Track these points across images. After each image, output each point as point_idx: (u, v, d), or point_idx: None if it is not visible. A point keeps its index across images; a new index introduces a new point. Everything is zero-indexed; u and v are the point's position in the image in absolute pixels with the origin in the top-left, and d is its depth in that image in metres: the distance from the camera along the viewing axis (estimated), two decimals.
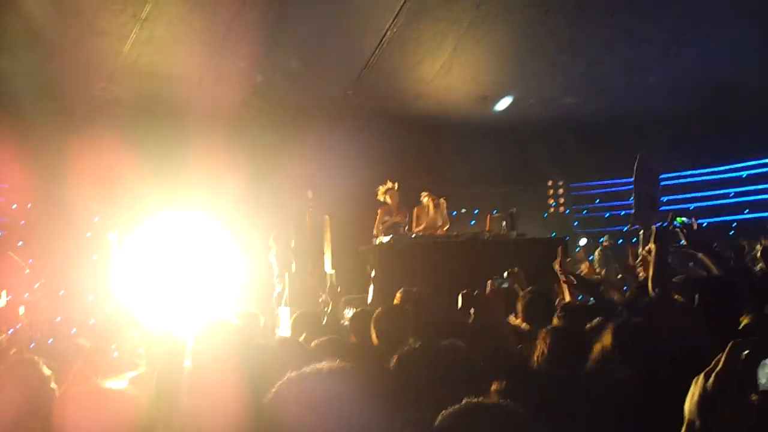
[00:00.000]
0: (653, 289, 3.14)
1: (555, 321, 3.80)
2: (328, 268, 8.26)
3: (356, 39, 9.49)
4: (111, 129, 8.82)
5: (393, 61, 9.91)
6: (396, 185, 8.90)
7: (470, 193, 11.37)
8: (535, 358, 2.87)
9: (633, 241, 13.03)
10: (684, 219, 3.45)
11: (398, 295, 4.29)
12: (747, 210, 12.69)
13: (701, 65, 10.71)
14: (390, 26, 9.24)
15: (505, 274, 5.19)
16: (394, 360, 2.39)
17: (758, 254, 4.93)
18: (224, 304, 8.73)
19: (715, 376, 1.11)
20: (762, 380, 1.09)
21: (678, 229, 3.38)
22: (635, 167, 4.68)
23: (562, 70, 10.81)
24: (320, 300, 6.19)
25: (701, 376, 1.14)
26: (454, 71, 10.36)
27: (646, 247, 3.40)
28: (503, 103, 11.30)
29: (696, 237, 3.41)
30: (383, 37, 9.44)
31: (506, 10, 9.39)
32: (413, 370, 2.26)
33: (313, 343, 3.21)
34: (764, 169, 12.70)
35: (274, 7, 8.57)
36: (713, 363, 1.13)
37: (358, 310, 4.47)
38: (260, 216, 9.72)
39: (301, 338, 3.67)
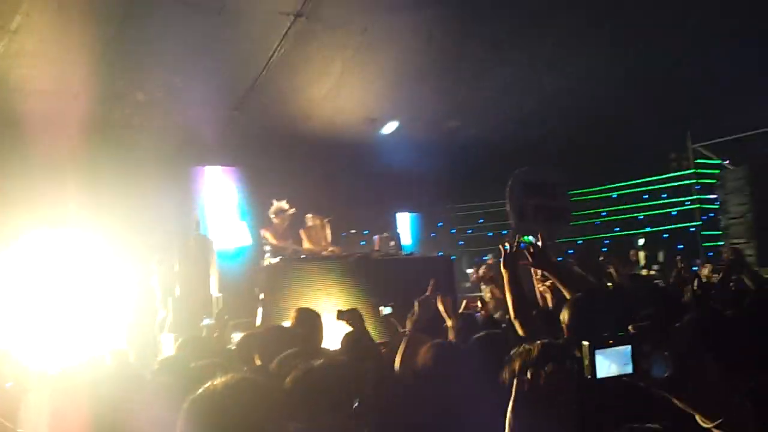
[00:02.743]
0: (515, 318, 3.16)
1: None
2: (215, 292, 8.02)
3: (243, 59, 9.38)
4: None
5: (281, 82, 9.88)
6: (290, 208, 8.81)
7: (359, 213, 11.43)
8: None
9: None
10: (530, 238, 3.57)
11: (293, 314, 4.22)
12: (617, 228, 13.57)
13: (575, 91, 11.38)
14: (277, 47, 9.22)
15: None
16: (289, 380, 2.37)
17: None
18: (101, 335, 8.30)
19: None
20: (599, 369, 1.19)
21: (524, 250, 3.43)
22: (509, 184, 4.90)
23: (445, 94, 11.17)
24: (203, 324, 5.99)
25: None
26: (343, 94, 10.47)
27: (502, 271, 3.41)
28: (389, 127, 11.52)
29: (542, 256, 3.49)
30: (271, 58, 9.39)
31: (391, 36, 9.61)
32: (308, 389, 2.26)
33: (192, 365, 3.10)
34: (633, 190, 13.67)
35: (157, 24, 8.33)
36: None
37: (246, 333, 4.36)
38: (142, 239, 9.33)
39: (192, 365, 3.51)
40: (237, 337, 5.49)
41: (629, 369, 1.20)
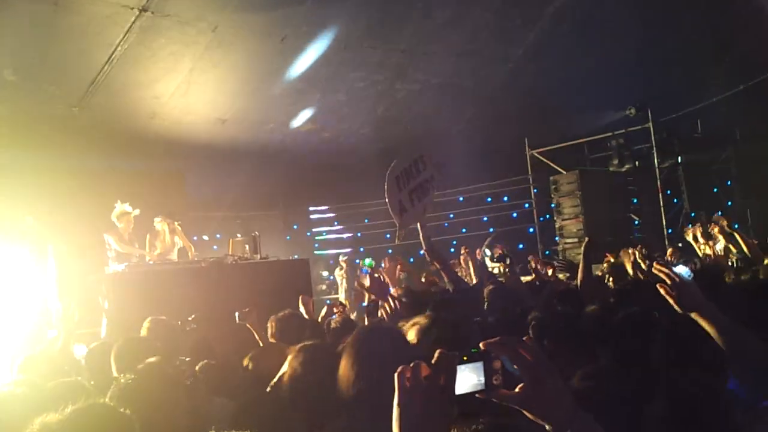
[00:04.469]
0: None
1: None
2: (55, 301, 7.44)
3: (83, 53, 8.80)
4: None
5: (125, 79, 9.38)
6: (134, 210, 8.37)
7: (212, 217, 11.11)
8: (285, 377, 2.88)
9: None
10: (369, 260, 3.72)
11: (147, 324, 4.01)
12: (464, 229, 14.23)
13: (423, 97, 11.79)
14: (121, 42, 8.73)
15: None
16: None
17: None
18: None
19: (418, 383, 1.20)
20: (461, 384, 1.23)
21: (366, 274, 3.57)
22: (386, 182, 4.95)
23: (299, 97, 11.14)
24: (48, 337, 5.54)
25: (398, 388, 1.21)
26: (192, 92, 10.12)
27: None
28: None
29: (377, 284, 3.65)
30: (113, 53, 8.88)
31: (243, 36, 9.43)
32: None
33: (49, 385, 2.85)
34: (477, 193, 14.41)
35: None
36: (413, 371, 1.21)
37: (95, 344, 4.09)
38: None
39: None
40: (79, 349, 5.13)
41: (481, 385, 1.24)
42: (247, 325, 4.90)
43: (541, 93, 11.94)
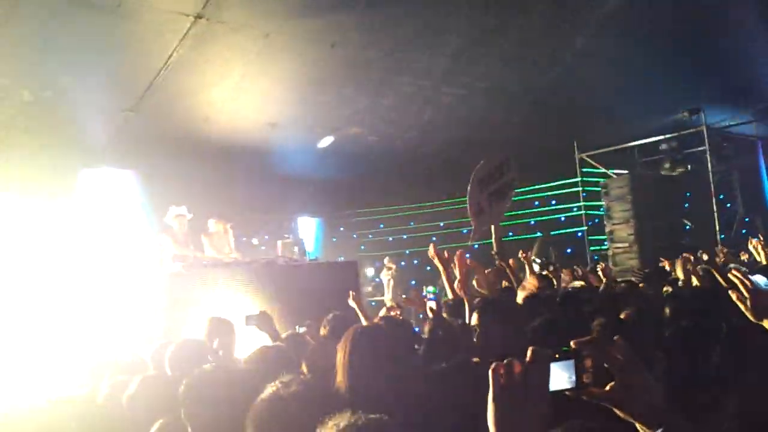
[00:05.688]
0: None
1: None
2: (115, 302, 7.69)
3: (140, 59, 9.06)
4: None
5: (179, 84, 9.61)
6: (187, 213, 8.60)
7: (260, 218, 11.30)
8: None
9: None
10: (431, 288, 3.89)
11: (207, 324, 4.14)
12: (510, 233, 14.12)
13: (470, 102, 11.78)
14: (176, 48, 8.97)
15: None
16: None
17: None
18: None
19: (512, 380, 1.22)
20: (552, 381, 1.25)
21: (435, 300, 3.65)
22: (470, 182, 5.02)
23: (347, 102, 11.25)
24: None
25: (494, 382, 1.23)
26: (243, 97, 10.32)
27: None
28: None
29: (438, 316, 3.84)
30: (169, 59, 9.12)
31: (294, 42, 9.58)
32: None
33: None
34: (525, 197, 14.28)
35: (45, 20, 7.90)
36: (505, 368, 1.23)
37: (162, 343, 4.24)
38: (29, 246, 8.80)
39: None
40: (140, 348, 5.30)
41: (572, 383, 1.27)
42: (306, 338, 4.94)
43: (591, 96, 11.82)
